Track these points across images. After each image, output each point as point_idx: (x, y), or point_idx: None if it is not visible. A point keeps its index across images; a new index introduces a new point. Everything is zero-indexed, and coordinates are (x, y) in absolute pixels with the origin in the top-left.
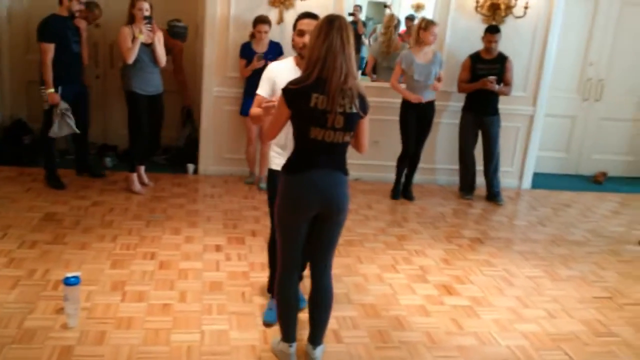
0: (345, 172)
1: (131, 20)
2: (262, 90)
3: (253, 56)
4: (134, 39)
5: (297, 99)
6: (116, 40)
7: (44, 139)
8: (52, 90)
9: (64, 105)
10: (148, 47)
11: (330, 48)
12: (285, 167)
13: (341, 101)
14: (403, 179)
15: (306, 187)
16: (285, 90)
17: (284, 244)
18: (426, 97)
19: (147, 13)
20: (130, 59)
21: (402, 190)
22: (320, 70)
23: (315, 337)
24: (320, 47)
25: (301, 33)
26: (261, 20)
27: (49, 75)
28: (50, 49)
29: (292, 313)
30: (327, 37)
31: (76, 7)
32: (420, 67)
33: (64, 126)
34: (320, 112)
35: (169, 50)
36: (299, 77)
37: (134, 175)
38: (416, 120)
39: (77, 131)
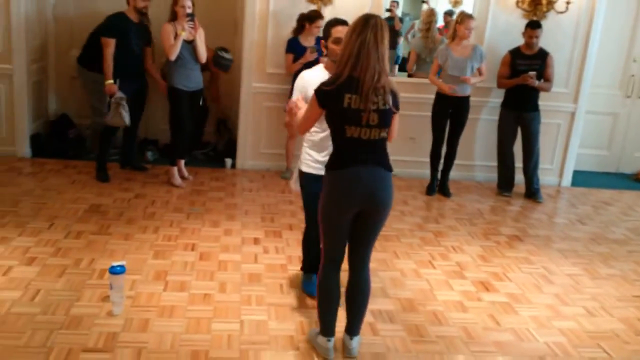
0: (389, 168)
1: (173, 17)
2: (296, 96)
3: (302, 51)
4: (176, 36)
5: (329, 100)
6: (159, 37)
7: (105, 130)
8: (111, 81)
9: (119, 95)
10: (189, 44)
11: (363, 45)
12: (329, 164)
13: (374, 99)
14: (439, 175)
15: (351, 182)
16: (318, 91)
17: (328, 239)
18: (461, 91)
19: (189, 10)
20: (173, 56)
21: (438, 187)
22: (352, 68)
23: (353, 328)
24: (353, 44)
25: (338, 41)
26: (319, 16)
27: (108, 68)
28: (110, 43)
29: (333, 307)
30: (361, 34)
31: (140, 4)
32: (455, 62)
33: (116, 116)
34: (354, 111)
35: (208, 68)
36: (331, 77)
37: (175, 169)
38: (450, 116)
39: (128, 124)
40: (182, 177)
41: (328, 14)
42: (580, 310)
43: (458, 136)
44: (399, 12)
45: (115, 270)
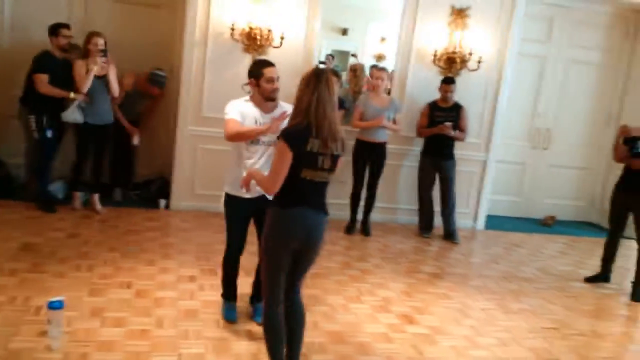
0: (327, 212)
1: (86, 54)
2: (235, 115)
3: None
4: (87, 71)
5: (297, 142)
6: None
7: (40, 165)
8: (72, 94)
9: (82, 98)
10: (101, 79)
11: (319, 98)
12: (277, 201)
13: (331, 144)
14: (359, 216)
15: (296, 221)
16: (287, 135)
17: (271, 275)
18: (378, 137)
19: (101, 47)
20: (84, 89)
21: (361, 226)
22: (312, 117)
23: (295, 355)
24: (310, 96)
25: (270, 80)
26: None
27: (60, 92)
28: (44, 78)
29: (281, 342)
30: (316, 89)
31: (62, 41)
32: (374, 110)
33: (74, 113)
34: (313, 154)
35: (148, 95)
36: (292, 125)
37: (77, 194)
38: (368, 161)
39: (81, 121)
40: (96, 211)
41: None
42: (494, 341)
43: (376, 180)
44: (332, 65)
45: (54, 305)
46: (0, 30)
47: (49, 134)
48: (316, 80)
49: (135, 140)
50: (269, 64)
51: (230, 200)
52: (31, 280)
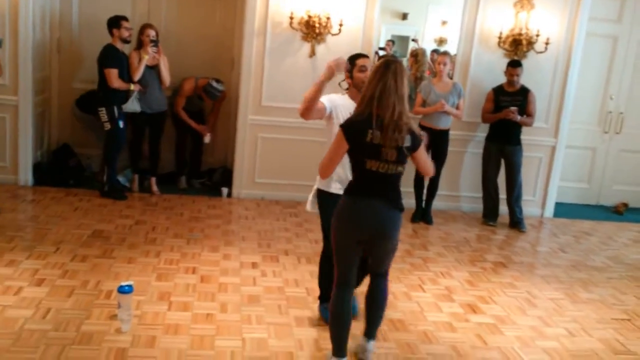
0: (398, 206)
1: (139, 45)
2: (324, 100)
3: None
4: (140, 60)
5: (354, 134)
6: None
7: (108, 155)
8: (132, 85)
9: (138, 88)
10: (153, 68)
11: (384, 88)
12: (347, 189)
13: (396, 136)
14: (423, 204)
15: (362, 211)
16: (344, 126)
17: (339, 262)
18: (440, 124)
19: (153, 38)
20: (136, 78)
21: (422, 214)
22: (375, 108)
23: (370, 332)
24: (374, 87)
25: (362, 69)
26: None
27: (125, 84)
28: (115, 73)
29: (344, 328)
30: (382, 78)
31: (125, 33)
32: (437, 96)
33: (134, 103)
34: (375, 146)
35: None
36: (354, 115)
37: (135, 177)
38: (430, 147)
39: (139, 111)
40: (152, 192)
41: (321, 52)
42: (562, 331)
43: (439, 167)
44: (391, 51)
45: (123, 290)
46: (69, 27)
47: (121, 124)
48: (384, 70)
49: (207, 139)
50: (363, 55)
51: (322, 196)
52: (102, 266)
